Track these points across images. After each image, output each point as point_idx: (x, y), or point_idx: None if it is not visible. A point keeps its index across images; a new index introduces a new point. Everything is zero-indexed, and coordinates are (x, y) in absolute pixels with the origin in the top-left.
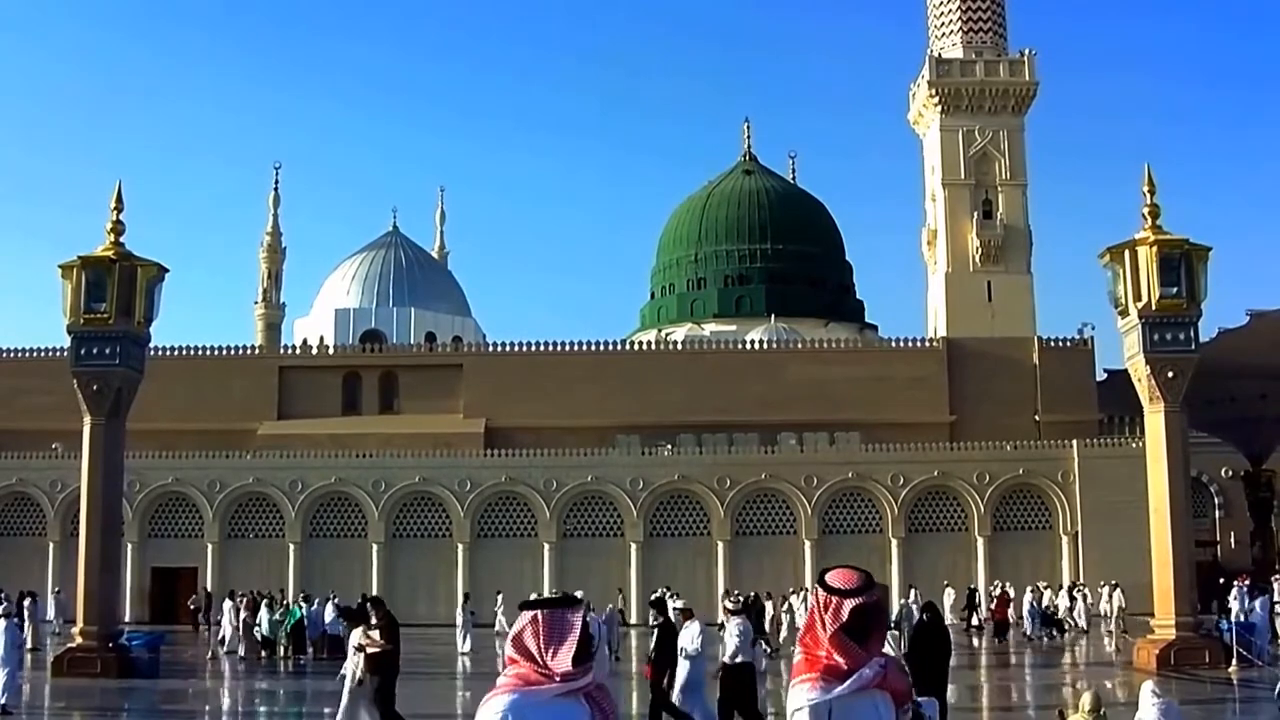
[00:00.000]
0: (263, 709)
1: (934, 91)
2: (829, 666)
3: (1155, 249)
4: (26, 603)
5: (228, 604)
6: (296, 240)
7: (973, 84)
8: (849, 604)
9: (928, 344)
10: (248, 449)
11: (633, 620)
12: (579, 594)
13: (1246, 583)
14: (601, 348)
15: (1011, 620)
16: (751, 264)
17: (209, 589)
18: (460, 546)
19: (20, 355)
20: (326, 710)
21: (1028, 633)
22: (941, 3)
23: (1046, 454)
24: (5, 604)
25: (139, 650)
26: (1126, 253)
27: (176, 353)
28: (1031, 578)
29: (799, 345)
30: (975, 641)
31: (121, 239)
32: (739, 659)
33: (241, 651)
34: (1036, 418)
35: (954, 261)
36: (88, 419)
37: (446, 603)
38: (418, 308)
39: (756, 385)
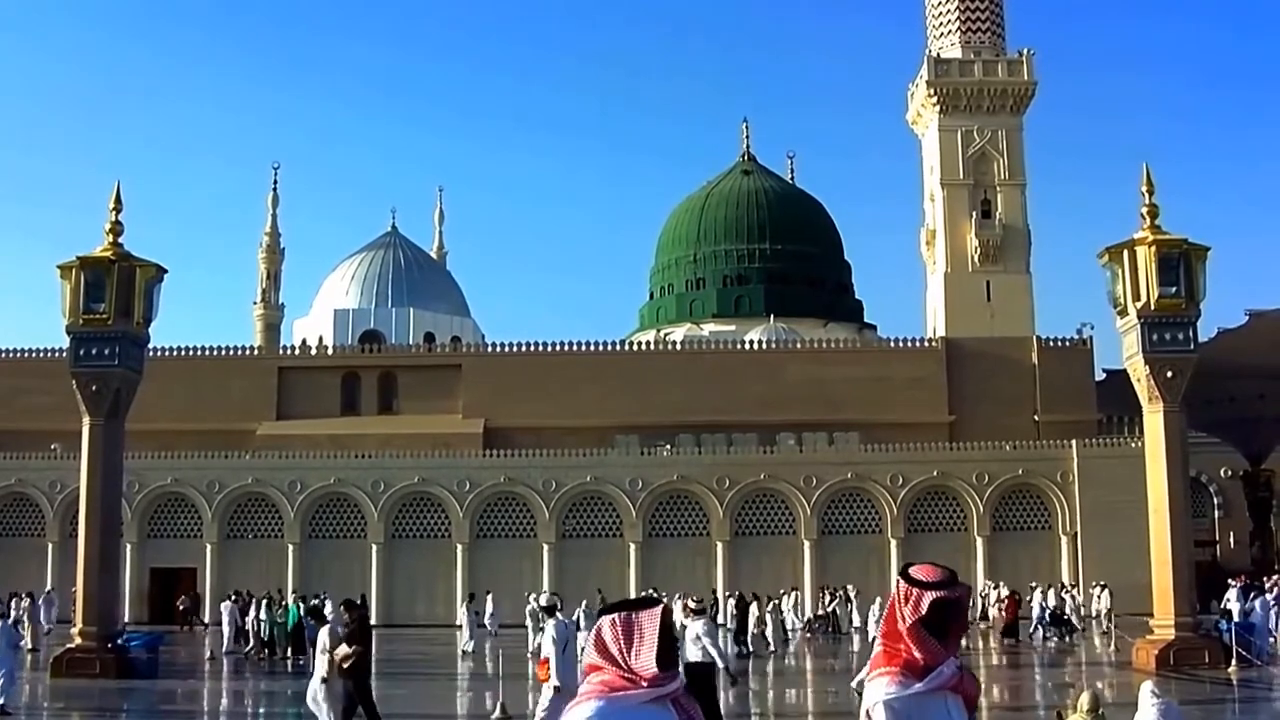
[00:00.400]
0: (261, 710)
1: (932, 91)
2: (908, 661)
3: (1154, 249)
4: (25, 603)
5: (226, 604)
6: (295, 240)
7: (971, 84)
8: (929, 596)
9: (927, 344)
10: (247, 449)
11: None
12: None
13: (1244, 581)
14: (600, 348)
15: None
16: (750, 264)
17: (196, 590)
18: (459, 547)
19: (19, 355)
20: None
21: (1033, 632)
22: (940, 3)
23: (1046, 454)
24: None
25: (138, 651)
26: (1125, 252)
27: (175, 353)
28: (1031, 578)
29: (798, 345)
30: (963, 643)
31: (120, 239)
32: (699, 660)
33: (250, 648)
34: (1035, 418)
35: (953, 261)
36: (87, 419)
37: (445, 603)
38: (417, 308)
39: (755, 385)
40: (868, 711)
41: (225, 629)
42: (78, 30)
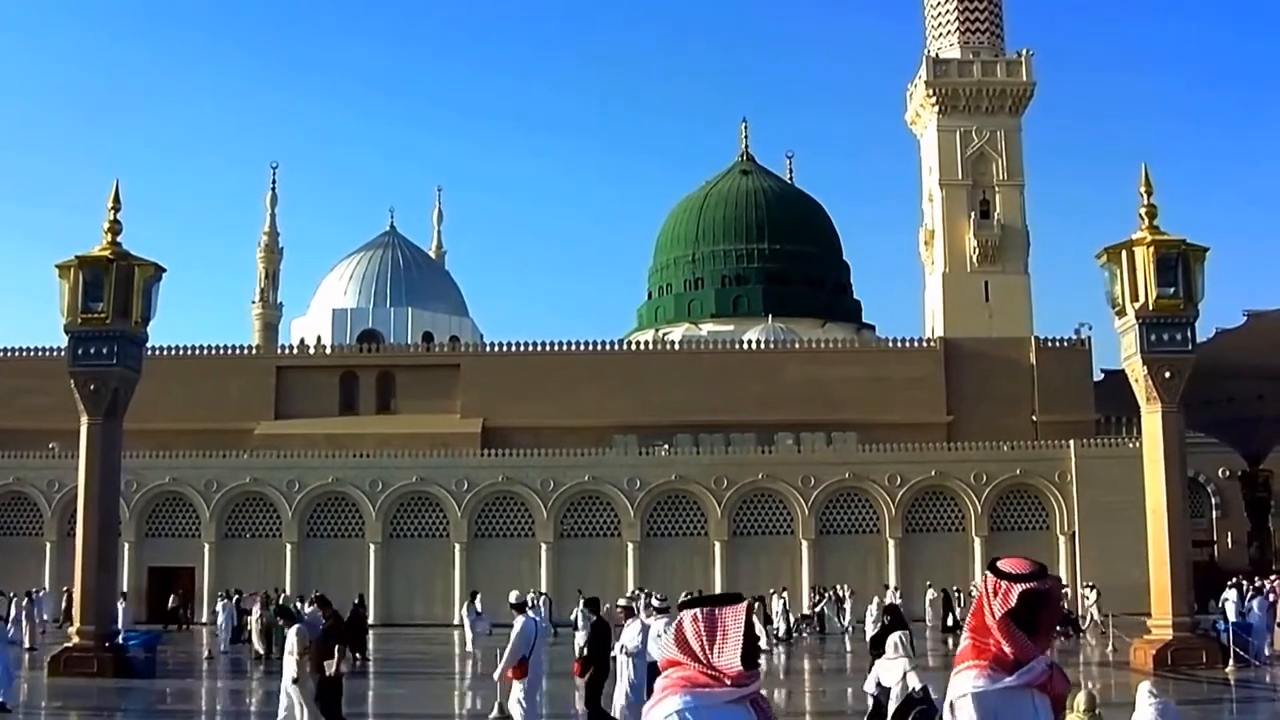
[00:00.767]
0: (259, 709)
1: (931, 92)
2: (998, 656)
3: (1152, 249)
4: (24, 601)
5: (222, 603)
6: (294, 240)
7: (970, 84)
8: (1019, 588)
9: (925, 344)
10: (245, 449)
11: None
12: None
13: (1240, 580)
14: (599, 348)
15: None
16: (749, 264)
17: (182, 589)
18: (457, 546)
19: (17, 355)
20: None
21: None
22: (939, 3)
23: (1044, 454)
24: None
25: (135, 650)
26: (1124, 253)
27: (174, 352)
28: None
29: (796, 345)
30: (950, 643)
31: (119, 239)
32: (649, 657)
33: (258, 646)
34: (1034, 418)
35: (951, 262)
36: (85, 419)
37: (443, 602)
38: (415, 308)
39: (754, 385)
40: (951, 704)
41: (221, 628)
42: (77, 30)
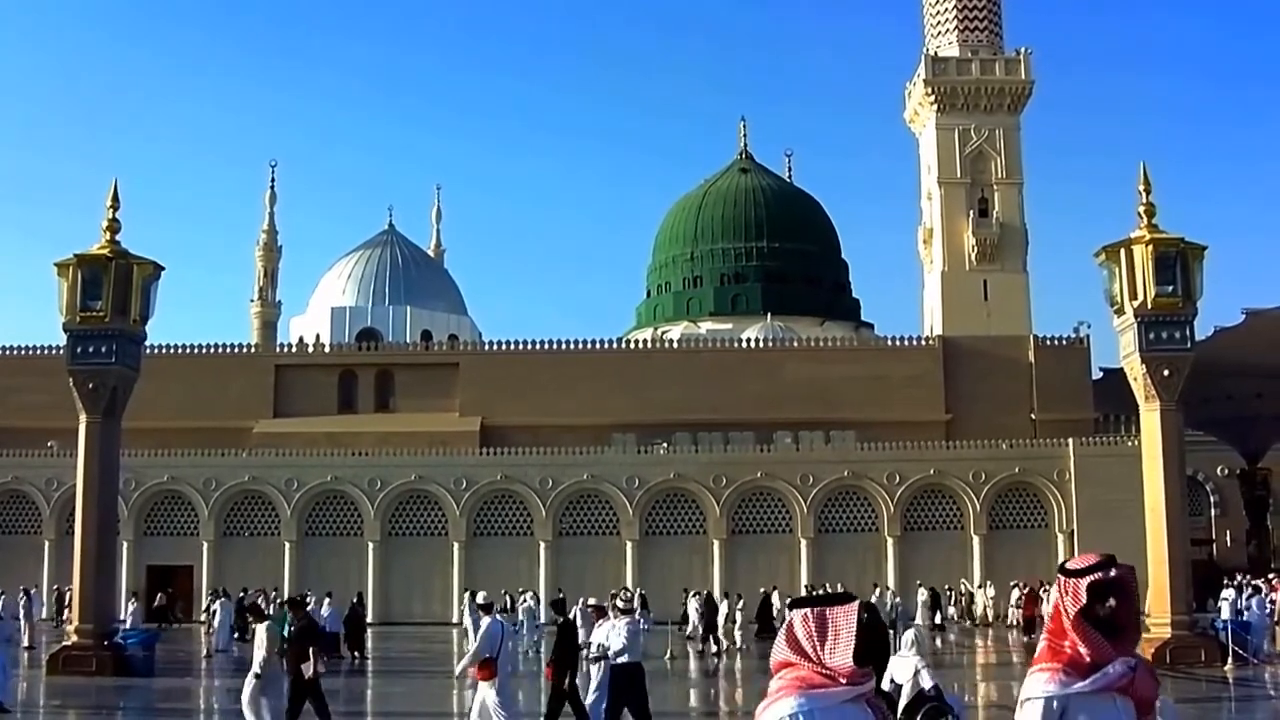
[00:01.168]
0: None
1: (930, 90)
2: (1073, 659)
3: (1151, 247)
4: (23, 600)
5: (220, 601)
6: (293, 239)
7: (969, 82)
8: (1086, 581)
9: (924, 342)
10: (244, 447)
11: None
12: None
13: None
14: (597, 346)
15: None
16: (748, 262)
17: (170, 589)
18: (456, 545)
19: (16, 353)
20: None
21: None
22: (937, 1)
23: (1042, 452)
24: None
25: (134, 648)
26: (1122, 251)
27: (172, 351)
28: (1028, 577)
29: (795, 344)
30: (939, 641)
31: (117, 237)
32: (625, 659)
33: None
34: (1032, 416)
35: (950, 260)
36: (84, 417)
37: (442, 601)
38: (414, 306)
39: (752, 384)
40: (1020, 703)
41: (218, 627)
42: (76, 29)
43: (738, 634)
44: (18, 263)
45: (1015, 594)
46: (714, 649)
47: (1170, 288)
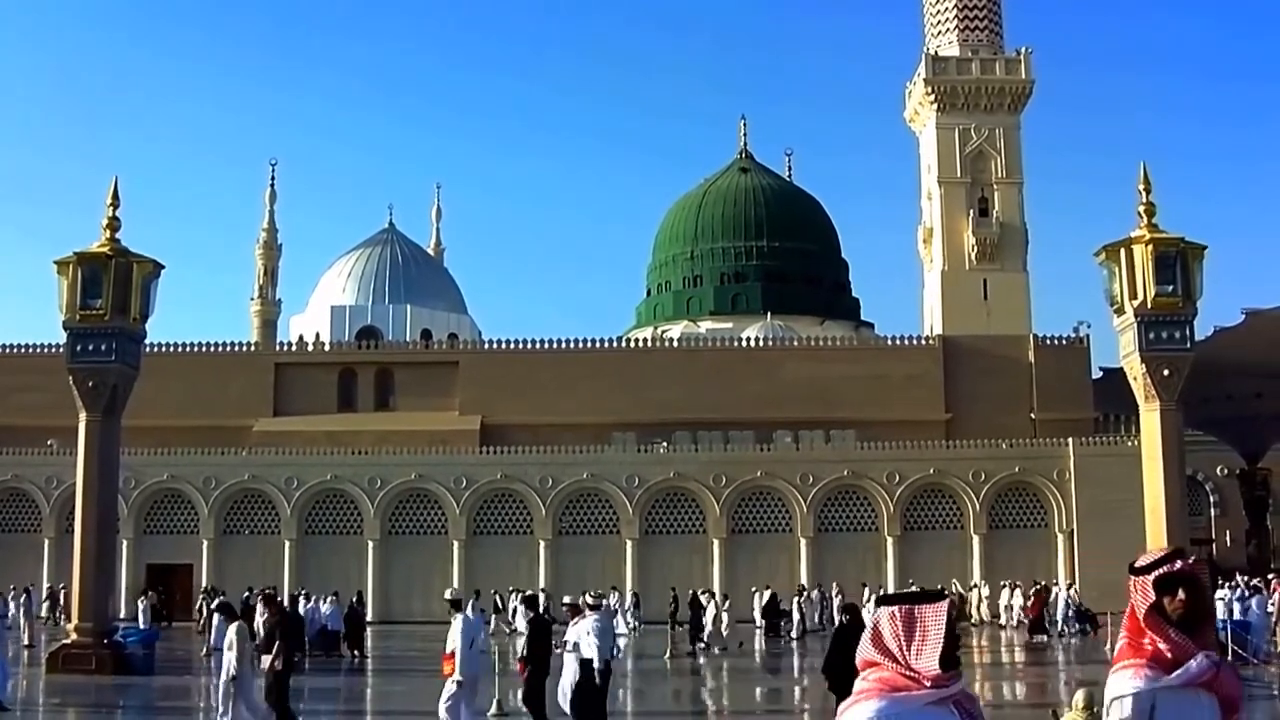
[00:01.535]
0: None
1: (930, 89)
2: (1154, 655)
3: (1151, 247)
4: (22, 598)
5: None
6: (293, 237)
7: (969, 82)
8: (1153, 576)
9: (924, 342)
10: (243, 446)
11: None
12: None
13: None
14: (597, 345)
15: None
16: (748, 261)
17: (159, 588)
18: (456, 544)
19: (16, 351)
20: (320, 708)
21: (1061, 628)
22: (937, 1)
23: (1042, 452)
24: None
25: (134, 647)
26: (1122, 251)
27: (172, 349)
28: (1027, 576)
29: (795, 343)
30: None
31: (118, 235)
32: (591, 655)
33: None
34: (1032, 416)
35: (950, 259)
36: (83, 415)
37: (441, 600)
38: (414, 305)
39: (752, 383)
40: (1109, 703)
41: (216, 626)
42: (76, 29)
43: (725, 633)
44: (17, 261)
45: (1006, 593)
46: (698, 648)
47: (1170, 287)
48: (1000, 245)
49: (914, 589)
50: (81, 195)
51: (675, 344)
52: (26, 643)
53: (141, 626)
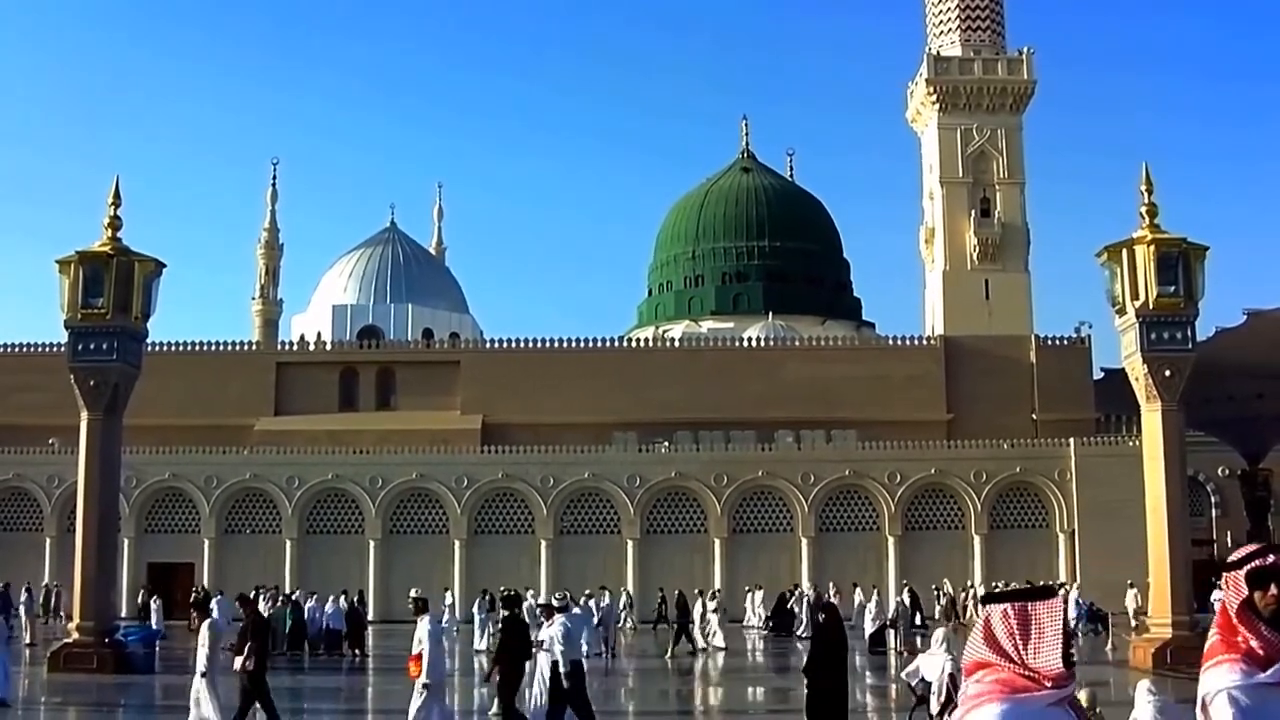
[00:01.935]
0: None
1: (932, 90)
2: (1248, 652)
3: (1153, 248)
4: (24, 597)
5: (218, 600)
6: (294, 236)
7: (971, 82)
8: (1244, 570)
9: (925, 342)
10: (245, 445)
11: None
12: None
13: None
14: (599, 345)
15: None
16: (749, 261)
17: (152, 586)
18: (457, 543)
19: (18, 350)
20: (322, 707)
21: (1075, 629)
22: (940, 1)
23: (1043, 452)
24: None
25: (135, 645)
26: (1124, 251)
27: (174, 348)
28: (1028, 577)
29: (796, 343)
30: (918, 642)
31: (119, 235)
32: (558, 655)
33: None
34: (1034, 416)
35: (952, 260)
36: (85, 414)
37: (440, 601)
38: (415, 304)
39: (754, 383)
40: (1203, 700)
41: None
42: (77, 28)
43: (714, 633)
44: (19, 261)
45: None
46: (688, 648)
47: (1172, 288)
48: (1002, 245)
49: (1021, 586)
50: (82, 195)
51: (676, 344)
52: (28, 641)
53: (154, 626)
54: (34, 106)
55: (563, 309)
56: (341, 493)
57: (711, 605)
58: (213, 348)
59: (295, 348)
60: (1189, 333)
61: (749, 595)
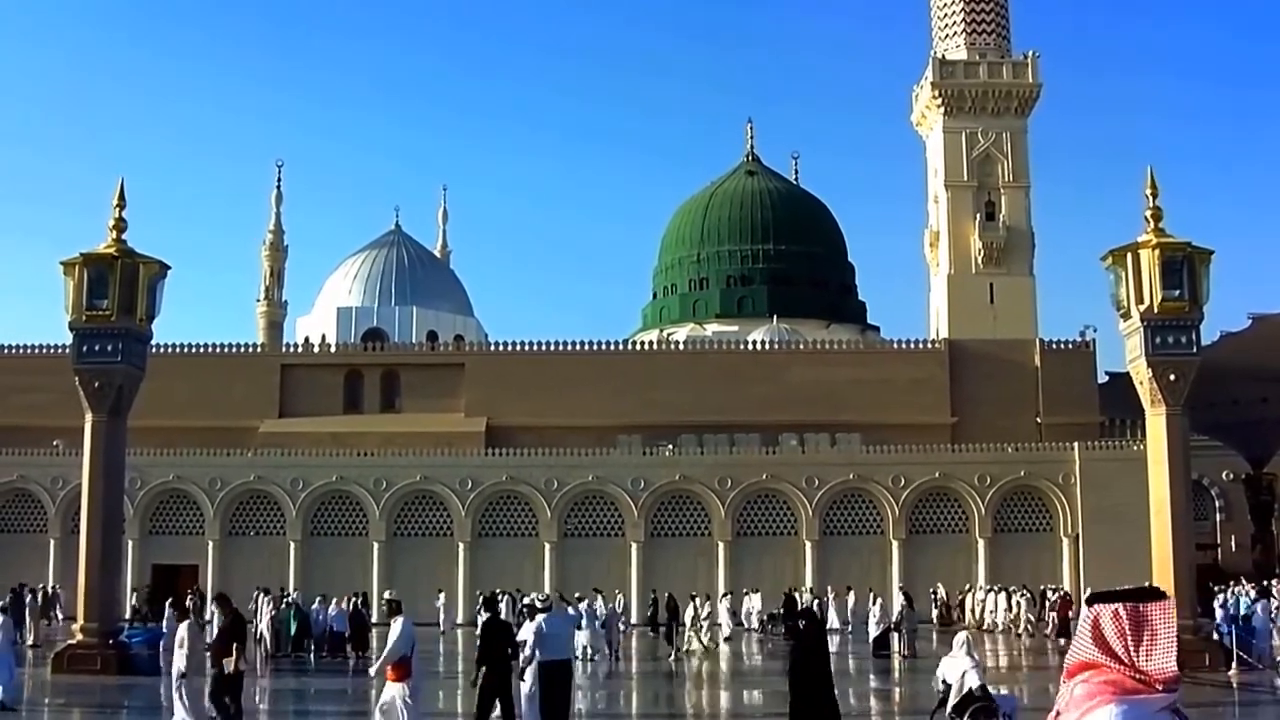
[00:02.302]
0: (264, 706)
1: (937, 93)
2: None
3: (1157, 252)
4: (28, 598)
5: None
6: (299, 238)
7: (976, 85)
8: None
9: (929, 346)
10: (249, 447)
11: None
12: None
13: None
14: (603, 347)
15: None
16: (754, 264)
17: (146, 588)
18: (461, 545)
19: (22, 352)
20: (326, 708)
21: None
22: (945, 4)
23: (1048, 456)
24: None
25: (139, 647)
26: (1129, 255)
27: (178, 350)
28: (1032, 580)
29: (801, 346)
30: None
31: (124, 236)
32: (542, 656)
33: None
34: (1038, 420)
35: (956, 263)
36: (89, 416)
37: (435, 601)
38: (420, 306)
39: (758, 386)
40: None
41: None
42: (80, 29)
43: (707, 636)
44: (23, 262)
45: (1008, 598)
46: (673, 651)
47: (1177, 292)
48: (1007, 249)
49: (1129, 586)
50: (86, 196)
51: (681, 347)
52: (31, 642)
53: (165, 630)
54: (36, 107)
55: (567, 312)
56: (346, 495)
57: (724, 605)
58: (217, 349)
59: (300, 350)
60: (1194, 337)
61: (745, 598)
